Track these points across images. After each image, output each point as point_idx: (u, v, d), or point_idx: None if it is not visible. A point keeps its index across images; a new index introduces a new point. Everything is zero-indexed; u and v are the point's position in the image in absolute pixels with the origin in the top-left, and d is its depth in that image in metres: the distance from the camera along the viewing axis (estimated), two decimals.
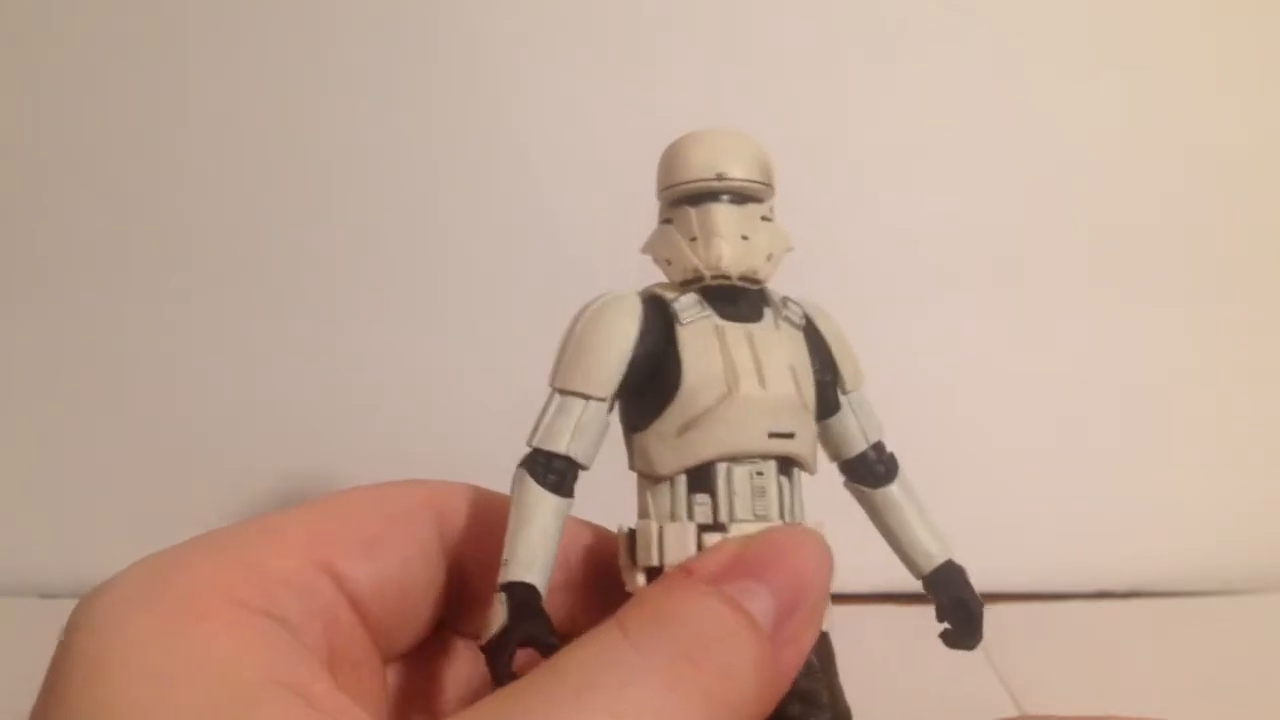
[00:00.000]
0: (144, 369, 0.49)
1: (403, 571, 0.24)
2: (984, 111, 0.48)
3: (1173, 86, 0.48)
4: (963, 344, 0.49)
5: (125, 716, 0.17)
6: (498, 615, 0.21)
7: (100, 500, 0.49)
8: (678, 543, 0.22)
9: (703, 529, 0.22)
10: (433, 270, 0.48)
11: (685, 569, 0.21)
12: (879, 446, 0.25)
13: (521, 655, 0.21)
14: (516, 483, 0.22)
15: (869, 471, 0.25)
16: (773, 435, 0.22)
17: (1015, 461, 0.49)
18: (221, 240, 0.48)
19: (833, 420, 0.25)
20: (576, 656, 0.19)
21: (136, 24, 0.46)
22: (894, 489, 0.25)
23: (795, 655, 0.21)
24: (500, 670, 0.20)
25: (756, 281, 0.23)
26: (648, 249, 0.25)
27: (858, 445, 0.25)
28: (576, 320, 0.23)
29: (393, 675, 0.25)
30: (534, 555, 0.22)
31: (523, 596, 0.21)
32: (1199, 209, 0.49)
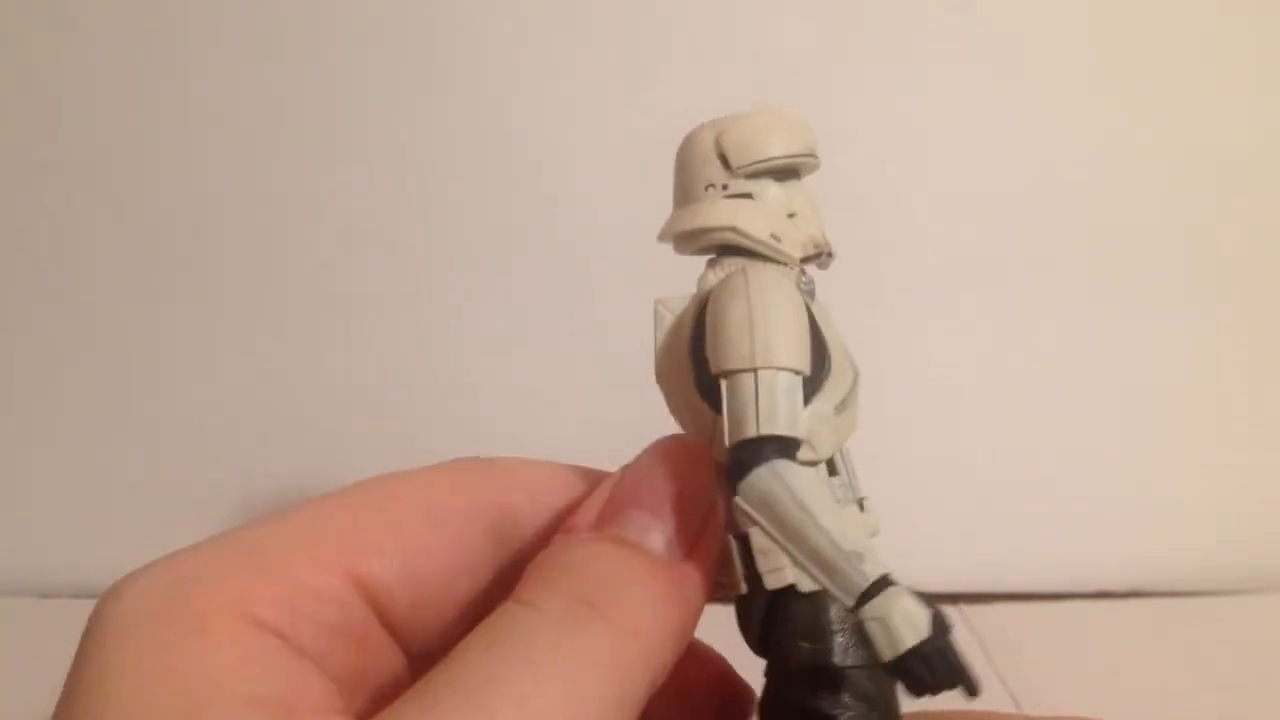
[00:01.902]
0: (144, 367, 0.49)
1: (444, 587, 0.22)
2: (983, 112, 0.48)
3: (1173, 87, 0.48)
4: (962, 344, 0.49)
5: None
6: (916, 619, 0.18)
7: (100, 500, 0.49)
8: (859, 528, 0.21)
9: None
10: (434, 268, 0.48)
11: (563, 530, 0.21)
12: None
13: None
14: (788, 475, 0.19)
15: None
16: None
17: (1016, 461, 0.49)
18: (222, 238, 0.48)
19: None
20: (480, 639, 0.19)
21: (136, 24, 0.46)
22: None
23: (699, 570, 0.20)
24: (964, 672, 0.18)
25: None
26: (732, 221, 0.22)
27: None
28: (759, 295, 0.21)
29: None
30: (855, 534, 0.19)
31: (940, 615, 0.18)
32: (1198, 209, 0.49)
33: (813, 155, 0.23)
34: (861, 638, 0.19)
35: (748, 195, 0.22)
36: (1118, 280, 0.49)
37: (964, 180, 0.48)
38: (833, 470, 0.22)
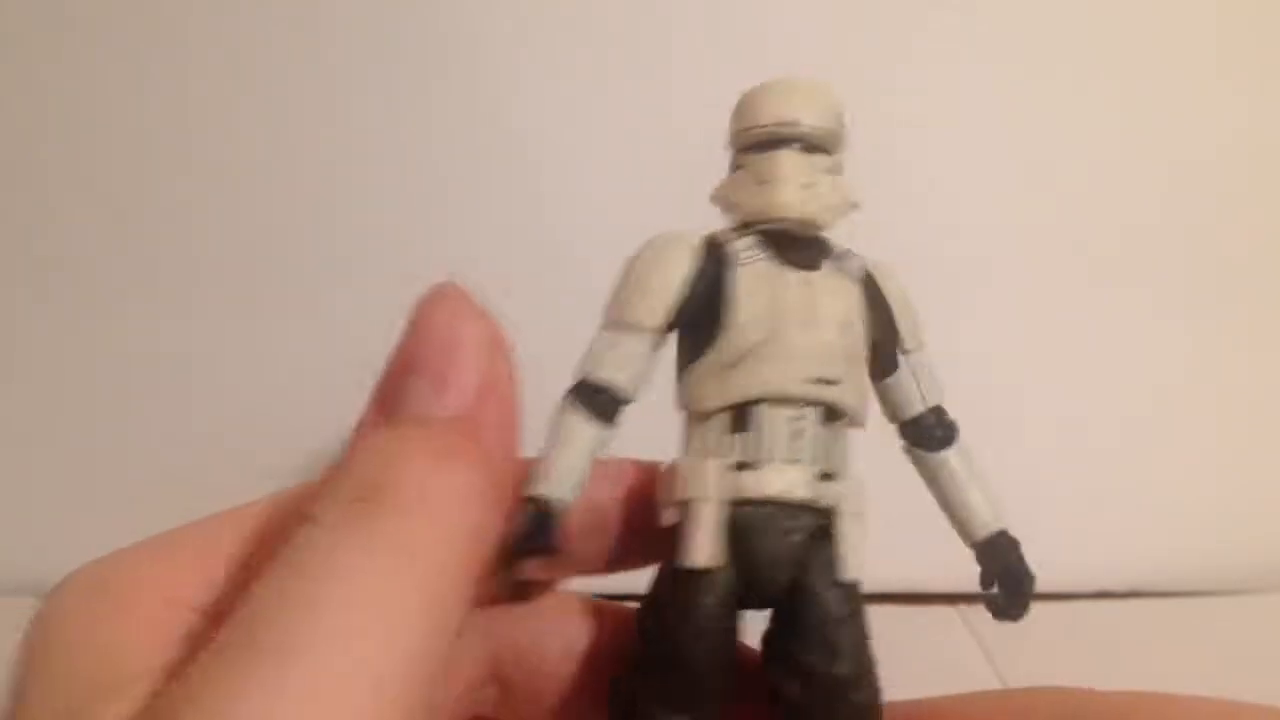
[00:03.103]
0: (146, 368, 0.49)
1: None
2: (983, 112, 0.48)
3: (1174, 86, 0.48)
4: (960, 344, 0.49)
5: (22, 696, 0.18)
6: (513, 522, 0.21)
7: (101, 500, 0.49)
8: (699, 476, 0.22)
9: (740, 467, 0.22)
10: (434, 269, 0.48)
11: (355, 426, 0.20)
12: (938, 410, 0.25)
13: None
14: (558, 411, 0.22)
15: (927, 435, 0.25)
16: (816, 380, 0.22)
17: (1014, 461, 0.49)
18: (222, 238, 0.48)
19: (891, 381, 0.25)
20: (264, 571, 0.17)
21: (136, 23, 0.46)
22: (950, 454, 0.25)
23: (497, 432, 0.19)
24: (501, 582, 0.20)
25: (816, 227, 0.24)
26: (715, 195, 0.25)
27: (915, 407, 0.25)
28: (637, 254, 0.23)
29: None
30: (567, 473, 0.22)
31: (541, 510, 0.21)
32: (1198, 209, 0.49)
33: (782, 124, 0.23)
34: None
35: (741, 167, 0.24)
36: (1117, 280, 0.49)
37: (963, 181, 0.48)
38: (741, 427, 0.22)
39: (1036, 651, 0.42)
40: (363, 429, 0.20)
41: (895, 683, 0.23)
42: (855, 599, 0.22)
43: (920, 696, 0.26)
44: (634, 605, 0.24)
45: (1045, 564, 0.51)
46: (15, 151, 0.48)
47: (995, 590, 0.25)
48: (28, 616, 0.20)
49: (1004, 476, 0.50)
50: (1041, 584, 0.50)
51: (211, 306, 0.49)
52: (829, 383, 0.23)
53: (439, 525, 0.17)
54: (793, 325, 0.22)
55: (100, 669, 0.18)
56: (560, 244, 0.48)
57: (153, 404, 0.49)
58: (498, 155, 0.47)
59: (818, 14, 0.47)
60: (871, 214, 0.49)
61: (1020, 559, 0.25)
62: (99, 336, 0.49)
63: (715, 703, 0.22)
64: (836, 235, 0.25)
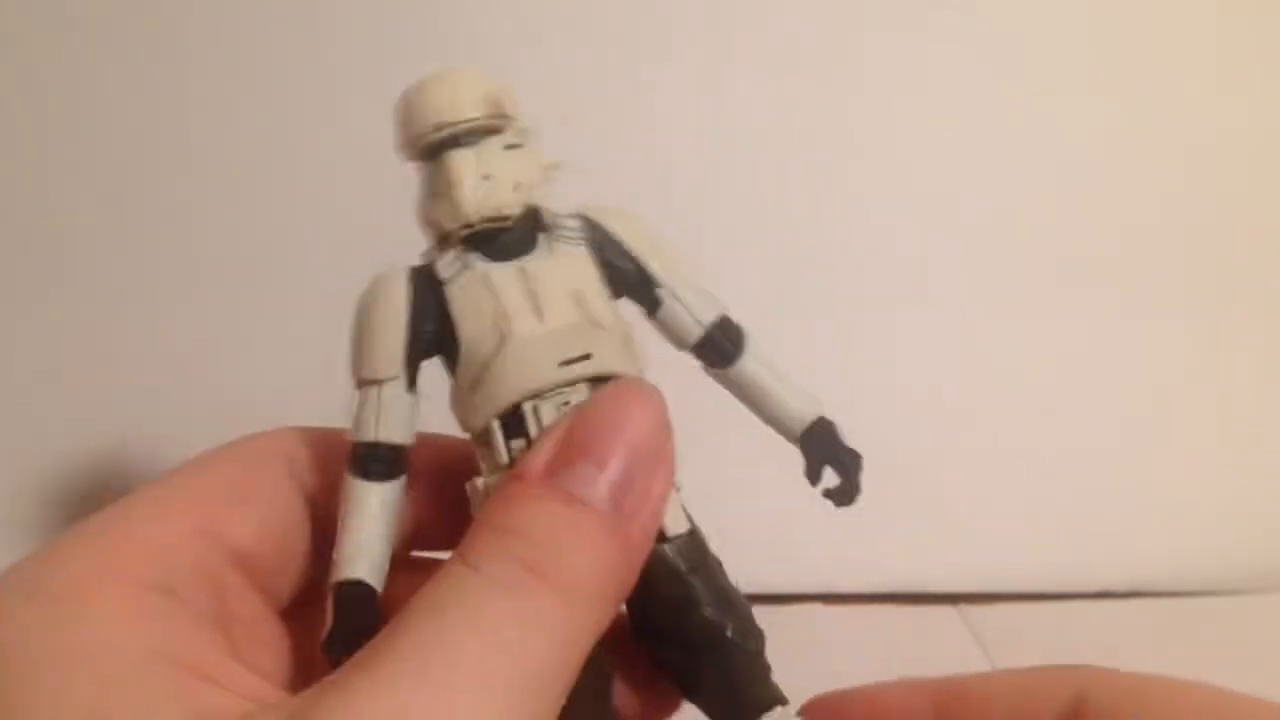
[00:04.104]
0: (144, 367, 0.49)
1: (277, 513, 0.25)
2: (983, 112, 0.48)
3: (1175, 86, 0.48)
4: (962, 344, 0.49)
5: (21, 708, 0.18)
6: (328, 616, 0.22)
7: (100, 500, 0.49)
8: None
9: None
10: None
11: (515, 474, 0.21)
12: (720, 324, 0.25)
13: None
14: (345, 479, 0.23)
15: (715, 352, 0.25)
16: (565, 363, 0.22)
17: (1016, 461, 0.49)
18: (223, 237, 0.48)
19: (659, 315, 0.25)
20: (426, 603, 0.19)
21: (136, 23, 0.46)
22: (744, 363, 0.25)
23: (644, 523, 0.21)
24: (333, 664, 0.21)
25: (505, 218, 0.23)
26: (417, 214, 0.25)
27: (694, 332, 0.24)
28: (358, 304, 0.24)
29: (291, 625, 0.26)
30: (360, 549, 0.22)
31: (348, 594, 0.22)
32: (1199, 209, 0.49)
33: (440, 126, 0.23)
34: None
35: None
36: (1118, 280, 0.49)
37: (963, 180, 0.48)
38: (516, 432, 0.22)
39: (1037, 651, 0.42)
40: (529, 488, 0.21)
41: None
42: (693, 550, 0.23)
43: None
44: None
45: (1045, 564, 0.51)
46: (15, 151, 0.48)
47: (828, 482, 0.24)
48: None
49: (1005, 476, 0.51)
50: (1041, 584, 0.50)
51: (211, 306, 0.49)
52: (582, 359, 0.22)
53: (591, 617, 0.20)
54: (518, 323, 0.22)
55: (85, 657, 0.18)
56: None
57: (153, 403, 0.49)
58: None
59: (818, 14, 0.47)
60: (873, 214, 0.50)
61: (840, 442, 0.24)
62: (99, 336, 0.49)
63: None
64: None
